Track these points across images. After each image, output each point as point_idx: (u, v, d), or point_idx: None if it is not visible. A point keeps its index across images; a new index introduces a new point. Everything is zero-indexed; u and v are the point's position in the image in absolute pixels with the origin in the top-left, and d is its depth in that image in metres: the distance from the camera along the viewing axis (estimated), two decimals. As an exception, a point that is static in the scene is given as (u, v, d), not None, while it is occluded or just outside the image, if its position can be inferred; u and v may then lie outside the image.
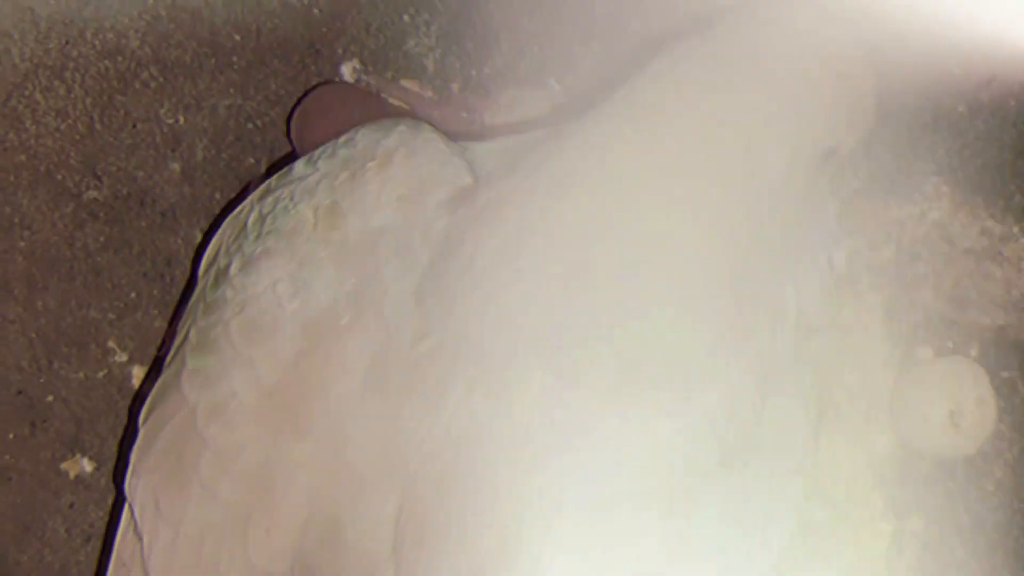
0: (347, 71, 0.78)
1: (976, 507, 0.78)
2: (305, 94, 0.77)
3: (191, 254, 0.78)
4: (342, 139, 0.67)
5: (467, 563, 0.62)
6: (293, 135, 0.77)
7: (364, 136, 0.66)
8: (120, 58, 0.77)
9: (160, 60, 0.77)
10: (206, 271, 0.70)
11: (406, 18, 0.78)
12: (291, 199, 0.66)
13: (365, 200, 0.65)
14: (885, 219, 0.78)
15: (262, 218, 0.66)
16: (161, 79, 0.77)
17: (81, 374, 0.78)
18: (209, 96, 0.78)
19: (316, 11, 0.78)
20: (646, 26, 0.78)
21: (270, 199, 0.67)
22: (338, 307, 0.63)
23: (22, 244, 0.77)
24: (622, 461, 0.62)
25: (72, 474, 0.78)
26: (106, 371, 0.78)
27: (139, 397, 0.75)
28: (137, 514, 0.66)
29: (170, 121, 0.78)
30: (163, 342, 0.78)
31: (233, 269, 0.66)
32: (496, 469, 0.62)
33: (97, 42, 0.77)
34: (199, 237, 0.78)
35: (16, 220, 0.77)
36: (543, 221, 0.62)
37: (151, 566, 0.65)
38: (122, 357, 0.78)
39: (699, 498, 0.63)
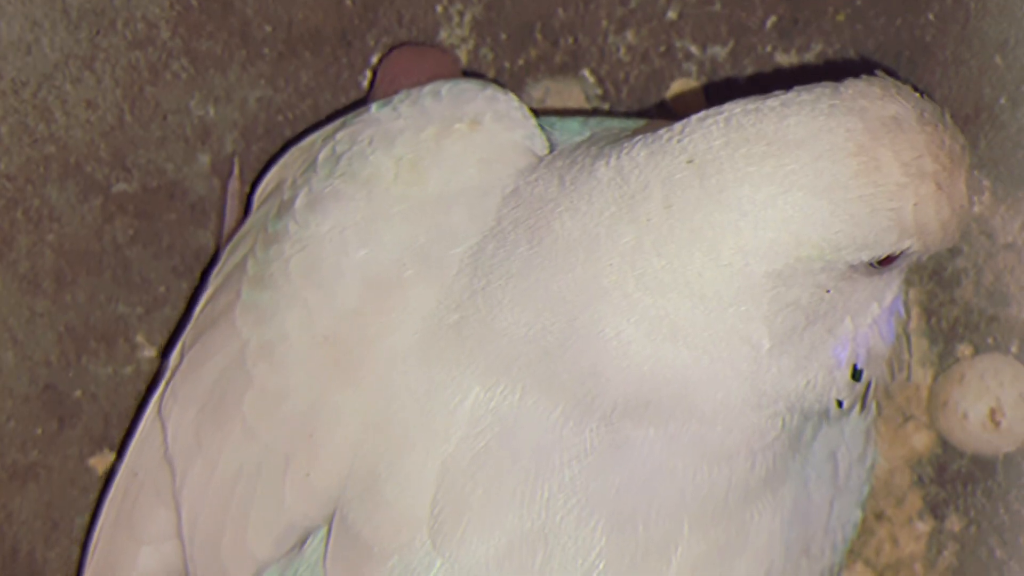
0: (378, 63, 0.78)
1: (1016, 506, 0.78)
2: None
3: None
4: (427, 89, 0.65)
5: (496, 551, 0.61)
6: (376, 85, 0.76)
7: (451, 92, 0.65)
8: (151, 49, 0.77)
9: (191, 51, 0.77)
10: (265, 199, 0.69)
11: (439, 9, 0.78)
12: (369, 143, 0.64)
13: (449, 160, 0.63)
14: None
15: (335, 156, 0.65)
16: (192, 70, 0.77)
17: (109, 369, 0.77)
18: (239, 88, 0.77)
19: (348, 2, 0.78)
20: (683, 16, 0.78)
21: (344, 137, 0.66)
22: (404, 260, 0.62)
23: (51, 237, 0.77)
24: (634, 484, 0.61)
25: (100, 470, 0.78)
26: (134, 366, 0.78)
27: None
28: (170, 438, 0.66)
29: (200, 113, 0.77)
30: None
31: (299, 203, 0.64)
32: (517, 472, 0.61)
33: (128, 32, 0.77)
34: (228, 231, 0.78)
35: (45, 213, 0.77)
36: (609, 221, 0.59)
37: (183, 497, 0.65)
38: (150, 352, 0.78)
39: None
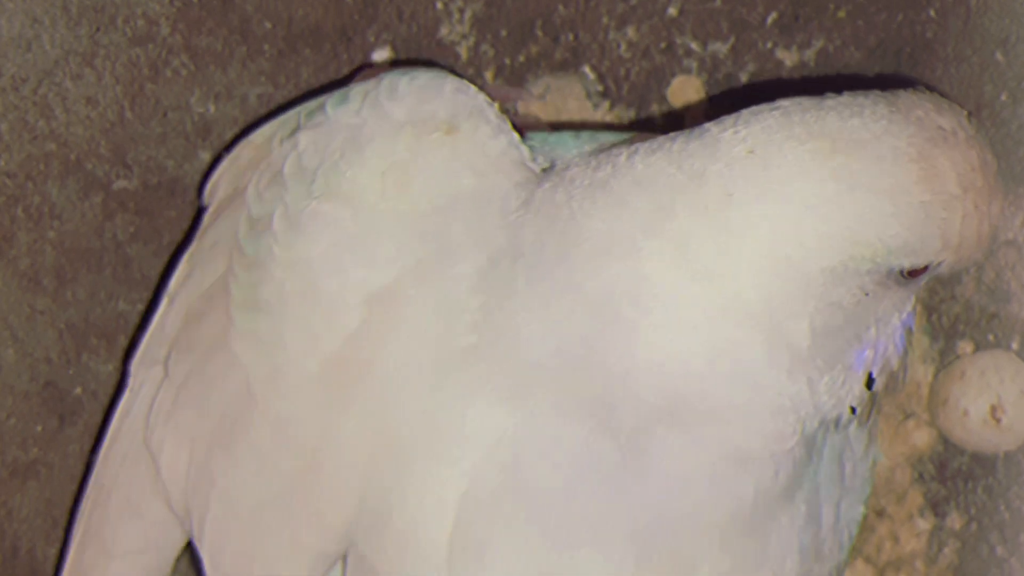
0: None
1: (1017, 504, 0.78)
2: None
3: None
4: (385, 85, 0.64)
5: None
6: None
7: (410, 89, 0.63)
8: (151, 45, 0.77)
9: (191, 48, 0.77)
10: (225, 204, 0.67)
11: (439, 5, 0.78)
12: (341, 155, 0.63)
13: (434, 172, 0.62)
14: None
15: (305, 171, 0.63)
16: (192, 67, 0.77)
17: (110, 366, 0.77)
18: (240, 85, 0.77)
19: (348, -2, 0.78)
20: (683, 13, 0.78)
21: (309, 145, 0.64)
22: (403, 280, 0.61)
23: (51, 234, 0.77)
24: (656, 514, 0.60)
25: (100, 468, 0.78)
26: (135, 363, 0.78)
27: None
28: (166, 470, 0.65)
29: (200, 110, 0.77)
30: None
31: (278, 225, 0.63)
32: (541, 502, 0.60)
33: (128, 29, 0.77)
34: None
35: (46, 210, 0.77)
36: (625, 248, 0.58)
37: (204, 537, 0.64)
38: (151, 349, 0.78)
39: None
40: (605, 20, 0.78)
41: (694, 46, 0.78)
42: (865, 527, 0.77)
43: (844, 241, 0.57)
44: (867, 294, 0.59)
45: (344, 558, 0.62)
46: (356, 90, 0.65)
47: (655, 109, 0.78)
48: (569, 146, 0.64)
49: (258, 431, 0.62)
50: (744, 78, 0.78)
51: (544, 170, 0.62)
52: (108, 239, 0.77)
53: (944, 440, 0.78)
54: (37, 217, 0.77)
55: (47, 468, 0.77)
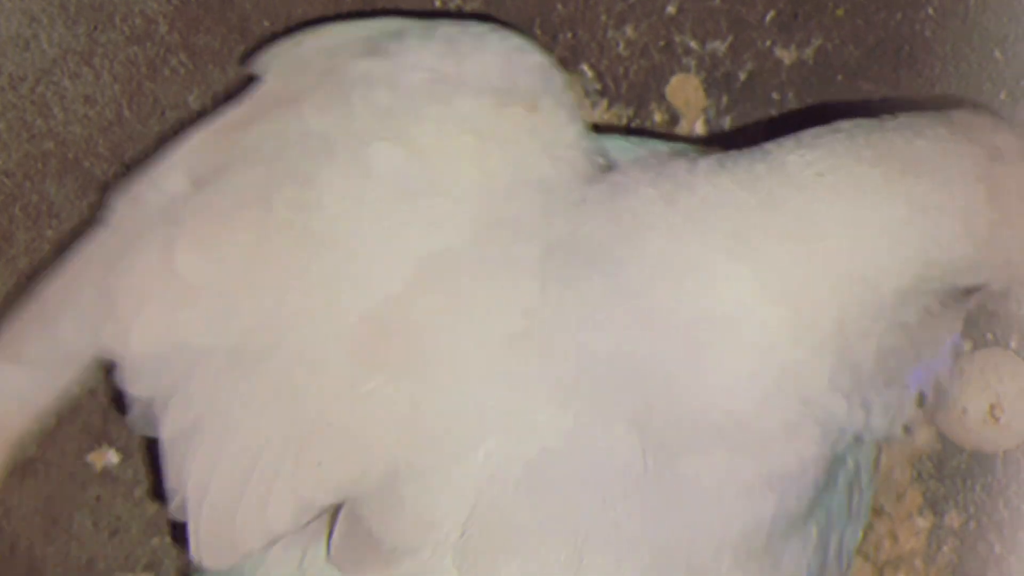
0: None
1: (1016, 502, 0.78)
2: None
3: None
4: (472, 35, 0.63)
5: None
6: None
7: (499, 51, 0.62)
8: (149, 44, 0.77)
9: (189, 46, 0.77)
10: (271, 104, 0.65)
11: (437, 3, 0.78)
12: (421, 103, 0.61)
13: (513, 145, 0.61)
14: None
15: (377, 106, 0.62)
16: (190, 66, 0.77)
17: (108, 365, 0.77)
18: (238, 83, 0.77)
19: (347, -4, 0.78)
20: (682, 11, 0.78)
21: (383, 75, 0.62)
22: (464, 248, 0.60)
23: (50, 233, 0.77)
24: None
25: (98, 466, 0.77)
26: (133, 362, 0.77)
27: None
28: (153, 350, 0.63)
29: (199, 108, 0.77)
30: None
31: (341, 152, 0.61)
32: (564, 504, 0.59)
33: (126, 28, 0.77)
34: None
35: (44, 209, 0.77)
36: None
37: (195, 454, 0.62)
38: (149, 348, 0.77)
39: None
40: (604, 19, 0.78)
41: (693, 44, 0.78)
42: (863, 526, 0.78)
43: (917, 262, 0.57)
44: (930, 313, 0.59)
45: (335, 511, 0.61)
46: (442, 31, 0.64)
47: (653, 107, 0.78)
48: (624, 149, 0.63)
49: (280, 368, 0.61)
50: (743, 76, 0.78)
51: (606, 168, 0.62)
52: (106, 238, 0.77)
53: (943, 439, 0.78)
54: (35, 216, 0.77)
55: (45, 466, 0.77)
